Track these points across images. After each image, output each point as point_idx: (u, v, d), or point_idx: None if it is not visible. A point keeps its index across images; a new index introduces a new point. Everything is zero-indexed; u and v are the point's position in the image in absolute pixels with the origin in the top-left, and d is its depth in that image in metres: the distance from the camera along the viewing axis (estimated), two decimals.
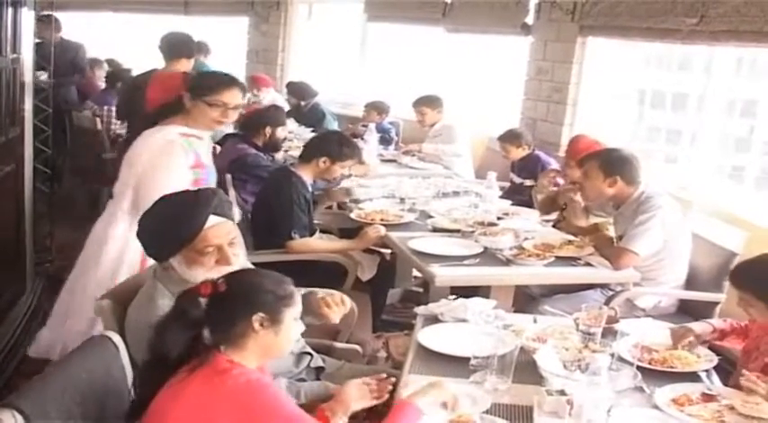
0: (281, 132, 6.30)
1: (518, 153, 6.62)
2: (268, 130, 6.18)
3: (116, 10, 11.61)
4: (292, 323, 2.48)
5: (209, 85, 4.17)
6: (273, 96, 9.07)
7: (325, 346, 3.49)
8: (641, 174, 4.71)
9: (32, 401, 2.28)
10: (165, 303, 2.73)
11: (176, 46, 6.16)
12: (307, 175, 4.96)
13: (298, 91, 9.00)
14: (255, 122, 6.26)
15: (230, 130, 7.37)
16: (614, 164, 4.69)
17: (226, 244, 2.83)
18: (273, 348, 2.48)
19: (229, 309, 2.39)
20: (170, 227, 2.80)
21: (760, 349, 3.24)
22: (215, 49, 11.25)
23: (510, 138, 6.68)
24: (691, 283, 4.70)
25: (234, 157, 5.98)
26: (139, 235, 2.91)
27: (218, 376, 2.31)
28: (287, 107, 8.49)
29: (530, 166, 6.57)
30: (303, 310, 2.58)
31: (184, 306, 2.38)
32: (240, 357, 2.38)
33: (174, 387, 2.31)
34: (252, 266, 3.18)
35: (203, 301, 2.38)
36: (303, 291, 2.86)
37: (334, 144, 4.99)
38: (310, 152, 5.02)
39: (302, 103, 8.83)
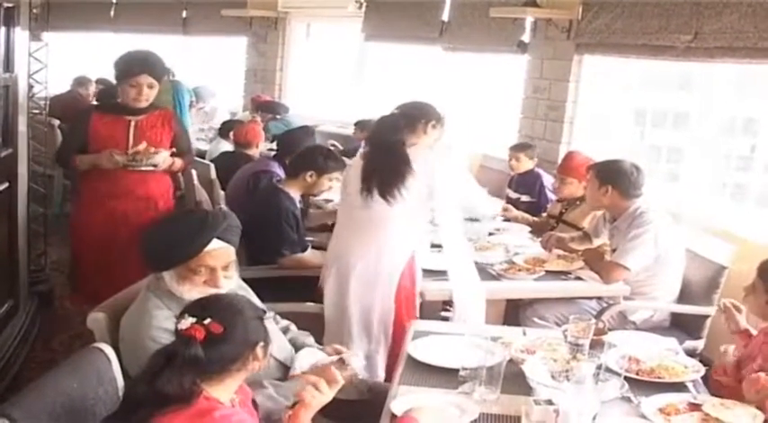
0: None
1: (526, 165, 6.64)
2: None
3: (115, 30, 11.66)
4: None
5: None
6: None
7: None
8: (641, 189, 4.72)
9: (23, 409, 2.30)
10: (159, 314, 2.78)
11: None
12: (294, 190, 4.97)
13: (266, 108, 9.08)
14: (287, 143, 6.24)
15: (227, 147, 7.42)
16: (609, 174, 4.72)
17: (220, 267, 2.86)
18: (248, 376, 2.47)
19: (231, 347, 2.33)
20: (174, 242, 2.82)
21: (752, 356, 3.25)
22: (213, 68, 11.34)
23: (523, 147, 6.75)
24: (682, 297, 4.73)
25: (259, 170, 5.97)
26: (144, 244, 2.95)
27: (199, 419, 2.24)
28: None
29: (529, 183, 6.61)
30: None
31: (183, 349, 2.28)
32: (216, 391, 2.33)
33: None
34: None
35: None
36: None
37: (319, 157, 5.02)
38: (297, 168, 5.04)
39: (277, 116, 8.90)
